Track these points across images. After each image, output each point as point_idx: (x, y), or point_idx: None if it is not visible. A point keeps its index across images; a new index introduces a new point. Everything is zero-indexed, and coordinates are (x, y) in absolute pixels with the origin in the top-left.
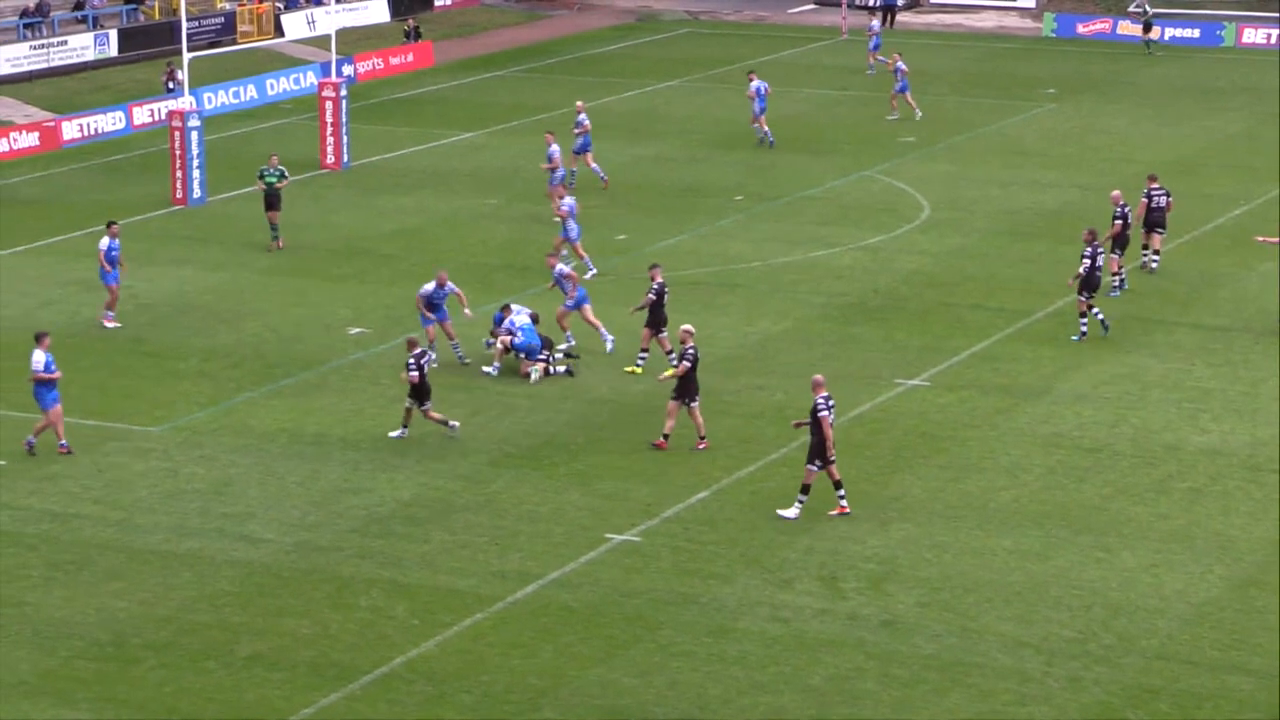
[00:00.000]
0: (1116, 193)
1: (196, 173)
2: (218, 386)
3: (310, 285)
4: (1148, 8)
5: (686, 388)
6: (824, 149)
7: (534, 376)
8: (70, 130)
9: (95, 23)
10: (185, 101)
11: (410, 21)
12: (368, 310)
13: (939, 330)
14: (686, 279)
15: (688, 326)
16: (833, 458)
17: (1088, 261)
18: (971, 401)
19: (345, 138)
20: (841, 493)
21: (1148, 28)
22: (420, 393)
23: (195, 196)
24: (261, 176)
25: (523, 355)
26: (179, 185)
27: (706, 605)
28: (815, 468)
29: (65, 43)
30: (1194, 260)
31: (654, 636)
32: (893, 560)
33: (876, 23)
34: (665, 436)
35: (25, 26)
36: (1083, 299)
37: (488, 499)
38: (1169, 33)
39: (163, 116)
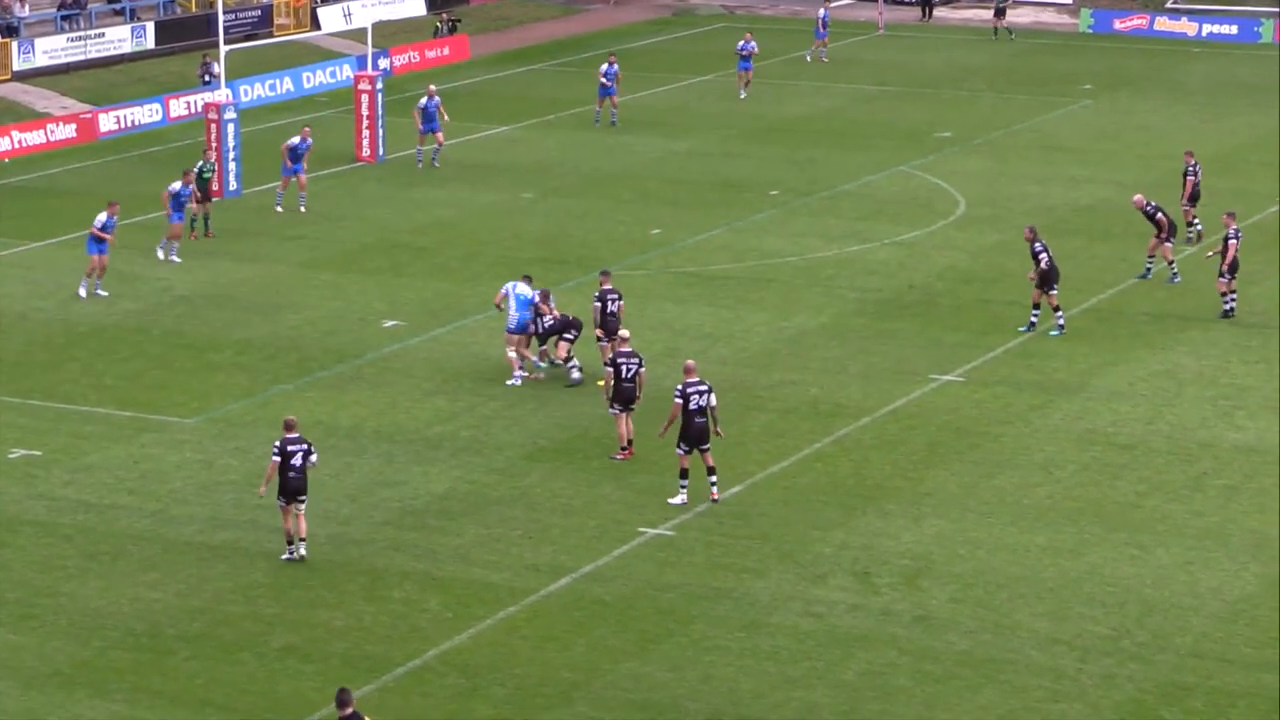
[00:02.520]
0: (1139, 197)
1: (232, 165)
2: (253, 378)
3: (345, 278)
4: None
5: (620, 395)
6: (860, 144)
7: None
8: (107, 122)
9: (132, 15)
10: (221, 94)
11: (446, 15)
12: (403, 303)
13: (974, 326)
14: (720, 273)
15: (624, 332)
16: (706, 446)
17: (1044, 257)
18: (1006, 397)
19: (381, 131)
20: (714, 481)
21: (1000, 14)
22: None
23: (231, 189)
24: (200, 172)
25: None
26: (215, 178)
27: (739, 600)
28: (683, 451)
29: (102, 35)
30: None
31: (687, 631)
32: (926, 556)
33: (824, 10)
34: (623, 447)
35: (63, 19)
36: (1040, 292)
37: (521, 492)
38: (1206, 29)
39: (199, 109)
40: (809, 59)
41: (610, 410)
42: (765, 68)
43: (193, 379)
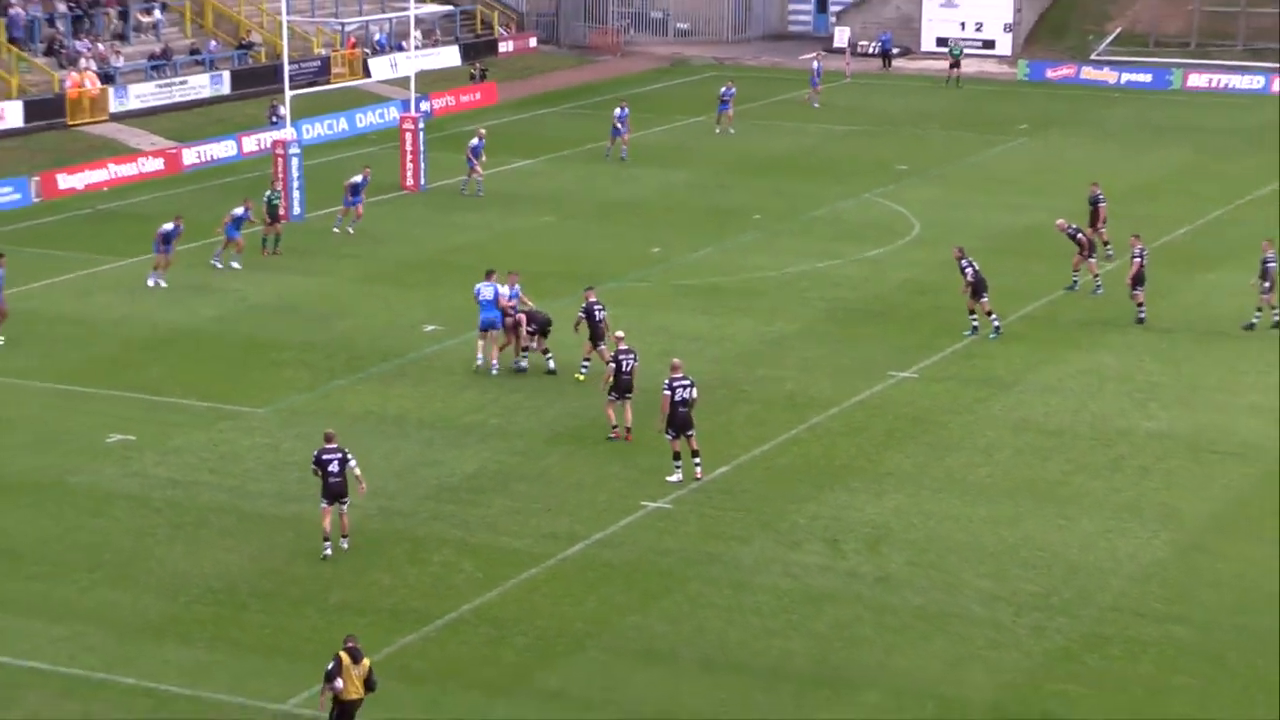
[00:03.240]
0: (1061, 220)
1: (296, 193)
2: (314, 375)
3: (392, 290)
4: (958, 50)
5: (619, 386)
6: (831, 176)
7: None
8: (189, 156)
9: (211, 65)
10: (287, 132)
11: (478, 65)
12: (441, 310)
13: (927, 331)
14: (711, 286)
15: (619, 333)
16: (690, 432)
17: (970, 271)
18: (954, 391)
19: (423, 164)
20: (699, 461)
21: (956, 64)
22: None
23: (295, 213)
24: (269, 199)
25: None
26: (281, 204)
27: (727, 563)
28: (672, 436)
29: (185, 82)
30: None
31: (683, 589)
32: (886, 525)
33: (818, 62)
34: (614, 429)
35: (152, 68)
36: (973, 301)
37: (541, 471)
38: (1125, 78)
39: (268, 145)
40: (813, 104)
41: (608, 397)
42: (750, 110)
43: (262, 375)
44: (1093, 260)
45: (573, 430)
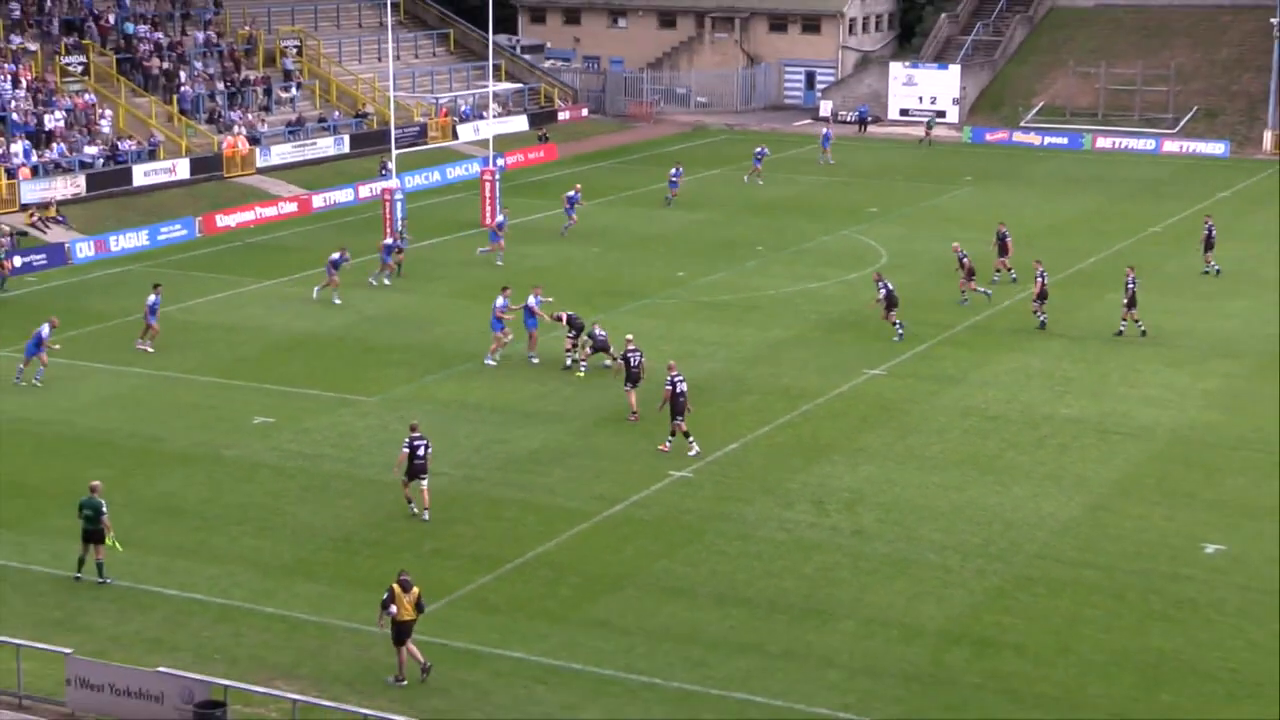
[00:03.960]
0: (956, 244)
1: (401, 229)
2: (413, 371)
3: (473, 305)
4: (931, 120)
5: (630, 376)
6: (817, 216)
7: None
8: (318, 201)
9: (334, 130)
10: (394, 182)
11: (542, 130)
12: (513, 322)
13: (893, 337)
14: (723, 302)
15: (629, 335)
16: (682, 415)
17: (883, 290)
18: (913, 385)
19: (498, 206)
20: (691, 438)
21: (929, 128)
22: None
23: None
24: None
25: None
26: (389, 237)
27: (736, 520)
28: (679, 421)
29: (315, 143)
30: (1062, 292)
31: (700, 540)
32: (860, 490)
33: (828, 129)
34: (634, 412)
35: (289, 133)
36: (888, 313)
37: (590, 446)
38: (1047, 140)
39: (378, 192)
40: (826, 161)
41: (624, 387)
42: (750, 167)
43: (373, 371)
44: (972, 282)
45: (614, 415)
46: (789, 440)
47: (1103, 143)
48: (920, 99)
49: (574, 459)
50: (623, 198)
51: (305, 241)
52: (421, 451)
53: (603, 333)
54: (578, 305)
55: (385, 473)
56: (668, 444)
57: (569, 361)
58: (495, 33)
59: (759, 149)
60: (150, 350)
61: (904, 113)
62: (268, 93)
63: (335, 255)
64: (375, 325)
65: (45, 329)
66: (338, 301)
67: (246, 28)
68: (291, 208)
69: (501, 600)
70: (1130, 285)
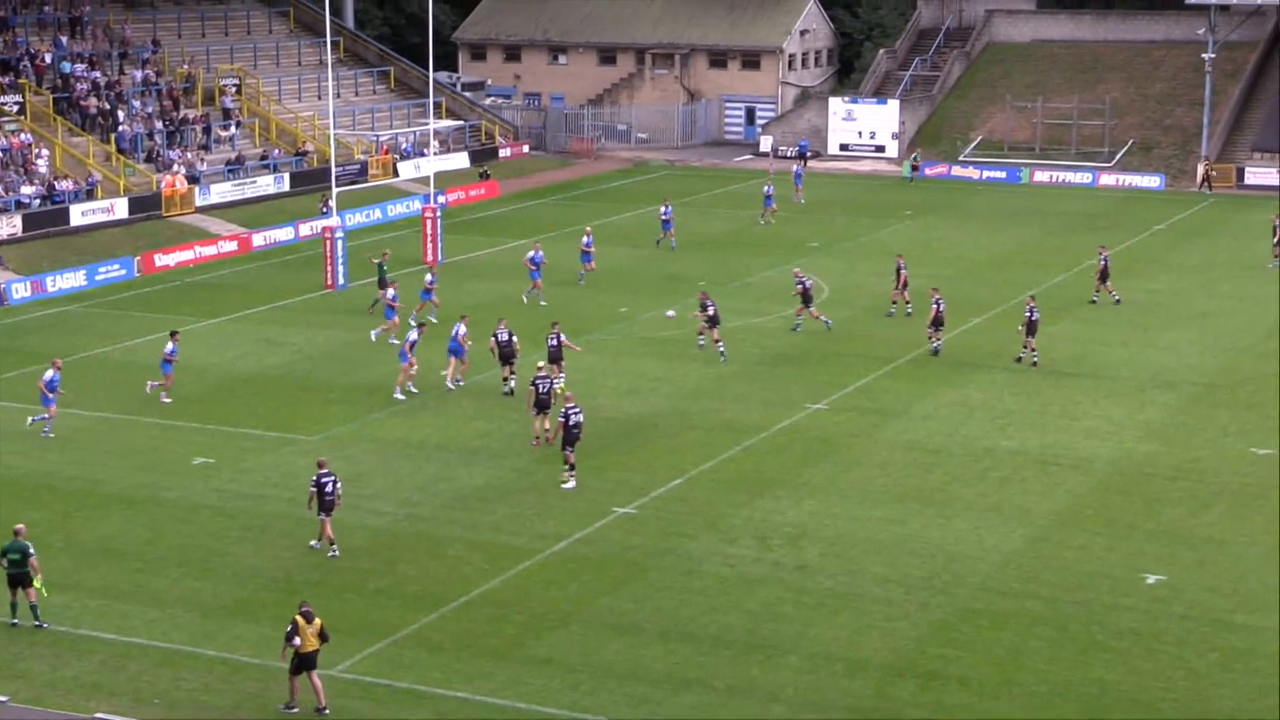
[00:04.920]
0: (797, 269)
1: (341, 268)
2: (355, 409)
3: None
4: (916, 156)
5: (538, 403)
6: (759, 251)
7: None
8: (257, 240)
9: (275, 168)
10: (334, 220)
11: (483, 167)
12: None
13: (834, 371)
14: (666, 337)
15: (541, 363)
16: (573, 446)
17: (801, 285)
18: (855, 419)
19: (440, 244)
20: (573, 471)
21: (914, 168)
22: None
23: (340, 283)
24: (380, 267)
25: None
26: (329, 276)
27: (680, 555)
28: (568, 452)
29: (254, 182)
30: (1002, 325)
31: (645, 576)
32: (803, 525)
33: (799, 167)
34: (537, 438)
35: (229, 171)
36: (707, 327)
37: (534, 483)
38: (986, 174)
39: (319, 231)
40: (794, 201)
41: (530, 412)
42: (696, 201)
43: (315, 410)
44: (812, 308)
45: (557, 453)
46: (732, 475)
47: (1040, 176)
48: (860, 134)
49: (518, 496)
50: (565, 234)
51: (245, 280)
52: (330, 488)
53: (506, 335)
54: (522, 345)
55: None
56: (571, 480)
57: (507, 389)
58: (436, 70)
59: (768, 188)
60: (167, 400)
61: (844, 147)
62: (207, 131)
63: (391, 292)
64: (316, 364)
65: (51, 373)
66: (394, 342)
67: (185, 66)
68: (231, 246)
69: (446, 639)
70: (1029, 314)
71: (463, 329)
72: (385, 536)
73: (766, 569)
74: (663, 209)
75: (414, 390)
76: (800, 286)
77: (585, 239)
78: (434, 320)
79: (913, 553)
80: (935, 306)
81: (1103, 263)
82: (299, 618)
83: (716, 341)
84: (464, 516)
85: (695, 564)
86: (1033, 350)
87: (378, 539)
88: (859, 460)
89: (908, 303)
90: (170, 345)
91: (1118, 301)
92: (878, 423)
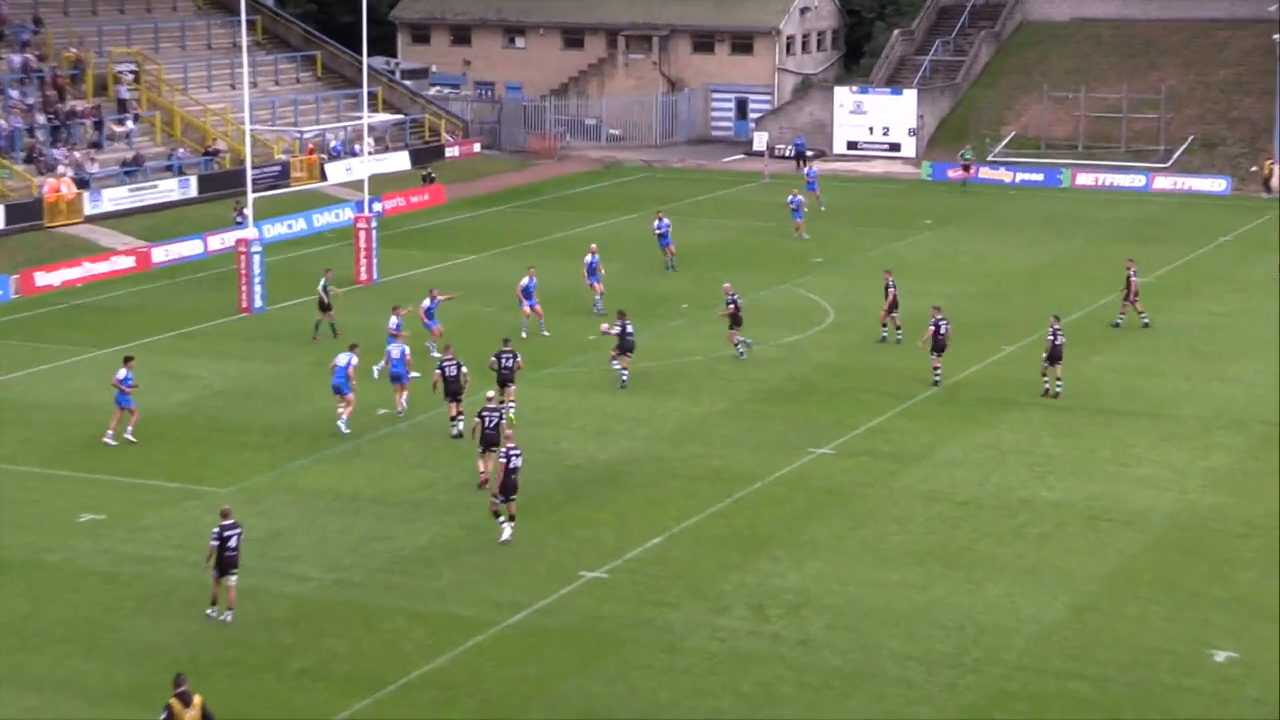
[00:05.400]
0: (727, 285)
1: (258, 287)
2: (274, 455)
3: None
4: (967, 154)
5: (484, 439)
6: (752, 267)
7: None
8: (159, 255)
9: (179, 171)
10: (250, 231)
11: (426, 169)
12: (392, 396)
13: (842, 409)
14: (642, 370)
15: (490, 393)
16: (513, 496)
17: (732, 305)
18: (867, 465)
19: (375, 260)
20: (510, 524)
21: (966, 169)
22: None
23: (257, 306)
24: (324, 288)
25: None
26: (244, 297)
27: (659, 628)
28: (498, 500)
29: (155, 186)
30: (1039, 353)
31: (618, 653)
32: (807, 591)
33: (811, 168)
34: (484, 477)
35: (125, 174)
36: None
37: (487, 544)
38: (1019, 176)
39: (232, 243)
40: (822, 208)
41: (478, 449)
42: (678, 209)
43: (227, 456)
44: (733, 332)
45: (517, 505)
46: (722, 532)
47: (1084, 179)
48: (870, 130)
49: (469, 558)
50: (523, 248)
51: (144, 302)
52: (234, 542)
53: (454, 368)
54: (474, 369)
55: (240, 577)
56: (507, 529)
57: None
58: (370, 55)
59: (793, 198)
60: (132, 439)
61: (852, 145)
62: (98, 126)
63: (429, 302)
64: (228, 400)
65: (124, 373)
66: (435, 354)
67: (73, 49)
68: (127, 263)
69: None
70: (1052, 337)
71: (354, 360)
72: (310, 606)
73: (763, 643)
74: (656, 223)
75: (345, 429)
76: (730, 305)
77: (590, 258)
78: (435, 353)
79: (936, 624)
80: (934, 328)
81: (1130, 278)
82: (174, 700)
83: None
84: (404, 582)
85: (678, 638)
86: (1056, 379)
87: (301, 609)
88: (872, 514)
89: (898, 327)
90: (124, 372)
91: (1146, 324)
92: (894, 470)
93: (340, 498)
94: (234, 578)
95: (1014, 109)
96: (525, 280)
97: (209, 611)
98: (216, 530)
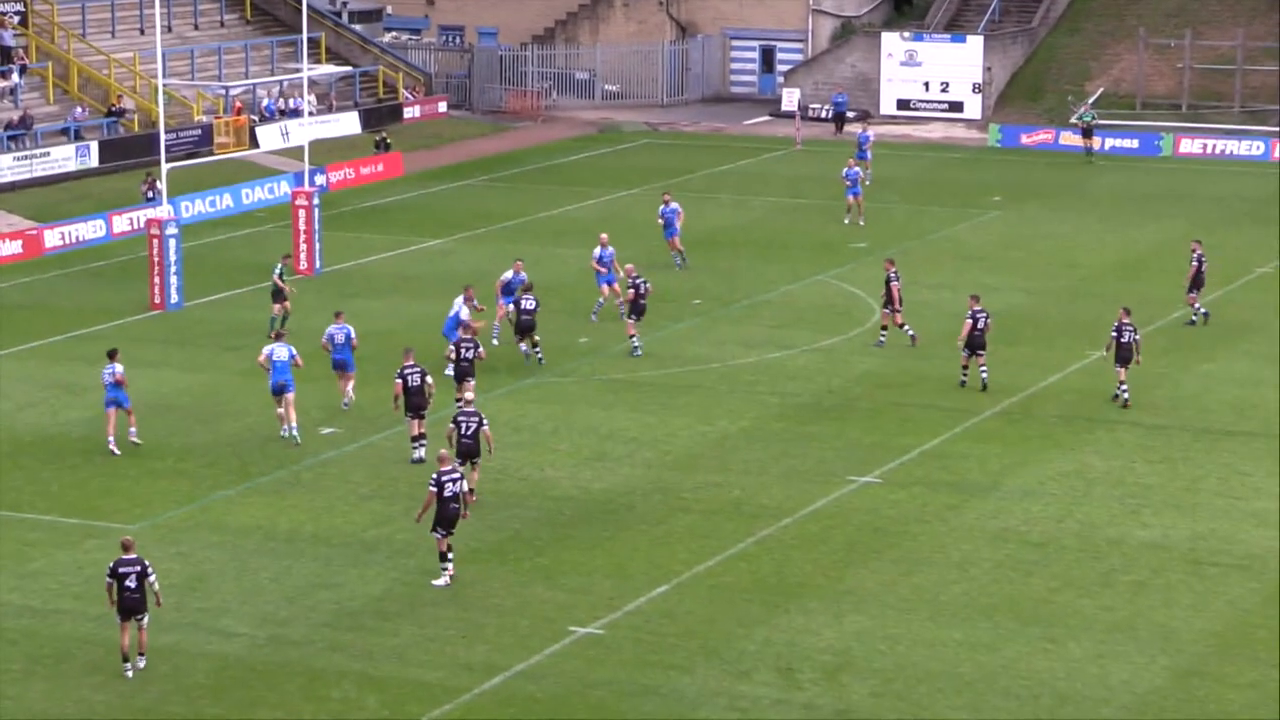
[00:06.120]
0: (630, 266)
1: (174, 279)
2: (194, 484)
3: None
4: (1089, 115)
5: (462, 450)
6: (779, 254)
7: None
8: (52, 238)
9: (77, 135)
10: (164, 210)
11: (381, 133)
12: (338, 410)
13: (890, 429)
14: (645, 380)
15: (469, 394)
16: (450, 529)
17: (634, 288)
18: (922, 498)
19: (318, 244)
20: (449, 564)
21: (1088, 134)
22: None
23: (173, 301)
24: (279, 275)
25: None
26: (157, 291)
27: (667, 696)
28: (440, 535)
29: (48, 154)
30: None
31: None
32: (847, 651)
33: (867, 133)
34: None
35: (9, 138)
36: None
37: (455, 593)
38: (1109, 143)
39: (142, 225)
40: (866, 182)
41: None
42: (689, 182)
43: (135, 485)
44: (631, 322)
45: (492, 546)
46: (743, 580)
47: (1189, 145)
48: (926, 86)
49: (432, 610)
50: (499, 230)
51: (33, 297)
52: (132, 583)
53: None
54: (440, 384)
55: (153, 634)
56: (445, 575)
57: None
58: None
59: (849, 170)
60: (137, 441)
61: (903, 105)
62: None
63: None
64: (139, 418)
65: (115, 367)
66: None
67: None
68: (13, 248)
69: None
70: (1115, 333)
71: (292, 355)
72: (238, 669)
73: (794, 716)
74: (663, 208)
75: (296, 437)
76: (632, 291)
77: (599, 251)
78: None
79: (1006, 692)
80: (971, 321)
81: (1195, 263)
82: None
83: (901, 326)
84: (353, 640)
85: (690, 708)
86: (1120, 385)
87: (227, 672)
88: (927, 557)
89: (901, 325)
90: (112, 367)
91: (1201, 317)
92: (955, 503)
93: (274, 537)
94: (144, 618)
95: (1102, 60)
96: (509, 275)
97: (124, 668)
98: (110, 565)
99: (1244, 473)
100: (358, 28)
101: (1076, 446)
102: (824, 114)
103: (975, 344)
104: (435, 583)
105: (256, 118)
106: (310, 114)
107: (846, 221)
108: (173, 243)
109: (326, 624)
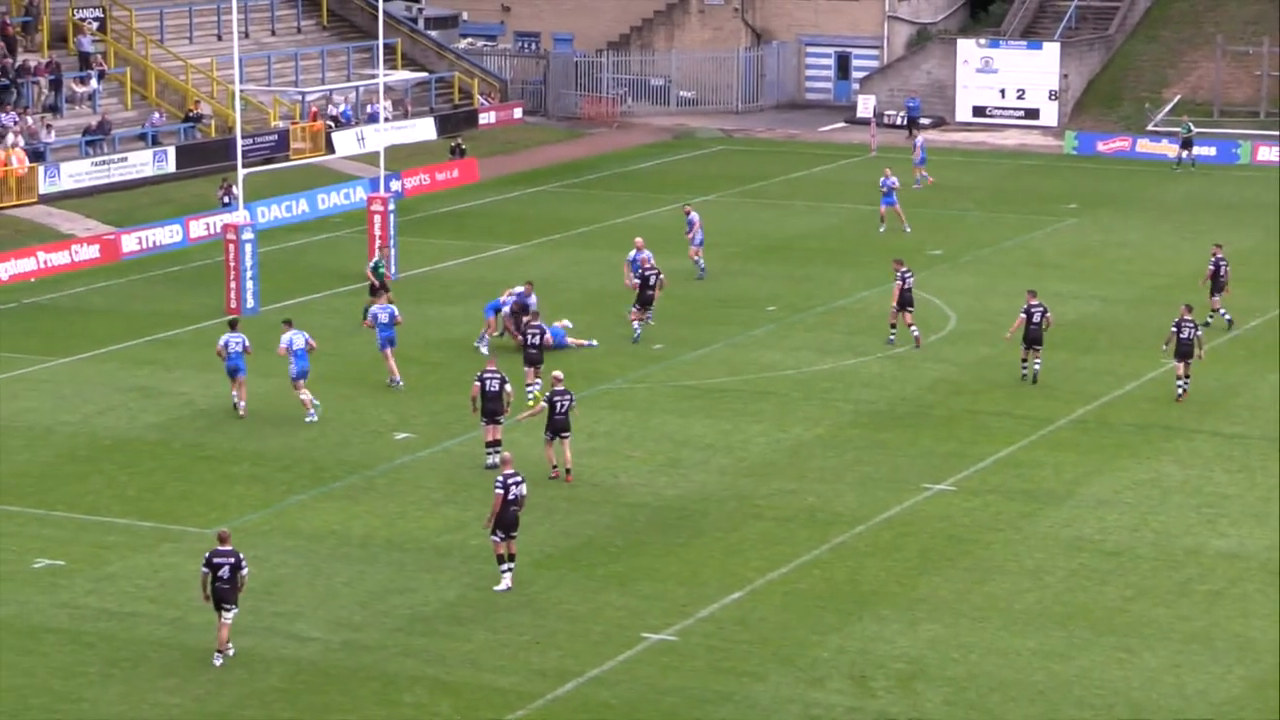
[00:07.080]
0: (645, 253)
1: (250, 283)
2: (269, 489)
3: (358, 392)
4: (1187, 126)
5: (553, 425)
6: (854, 261)
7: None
8: (129, 243)
9: (154, 140)
10: (240, 215)
11: (456, 139)
12: (412, 416)
13: (964, 436)
14: (719, 387)
15: (557, 373)
16: (514, 534)
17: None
18: (996, 506)
19: (393, 250)
20: (510, 569)
21: (1187, 145)
22: None
23: (249, 306)
24: (376, 269)
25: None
26: (234, 295)
27: (740, 703)
28: (498, 539)
29: (125, 159)
30: (1212, 370)
31: None
32: (921, 660)
33: (920, 139)
34: (554, 467)
35: (87, 144)
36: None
37: (528, 599)
38: (1187, 151)
39: (218, 230)
40: (916, 187)
41: (544, 436)
42: (765, 189)
43: (211, 490)
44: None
45: (565, 552)
46: (817, 587)
47: (1267, 153)
48: (1002, 93)
49: (506, 616)
50: (574, 236)
51: (111, 301)
52: (224, 573)
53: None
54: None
55: (232, 639)
56: (506, 579)
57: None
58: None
59: (887, 179)
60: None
61: (979, 111)
62: (56, 86)
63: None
64: (212, 422)
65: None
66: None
67: None
68: (91, 252)
69: None
70: (1175, 329)
71: (307, 339)
72: (311, 673)
73: None
74: (688, 214)
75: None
76: (639, 280)
77: (635, 254)
78: (484, 351)
79: (1081, 702)
80: (1024, 315)
81: (1212, 266)
82: None
83: (909, 326)
84: (426, 645)
85: (763, 715)
86: (1183, 378)
87: (301, 677)
88: (1001, 566)
89: (910, 325)
90: (234, 336)
91: (1221, 320)
92: (1029, 511)
93: (348, 542)
94: (228, 614)
95: (1180, 67)
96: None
97: (214, 657)
98: (206, 555)
99: None
100: (433, 34)
101: (1153, 455)
102: (899, 120)
103: (1032, 338)
104: (498, 588)
105: (332, 124)
106: (386, 120)
107: (882, 230)
108: (249, 248)
109: (400, 629)
